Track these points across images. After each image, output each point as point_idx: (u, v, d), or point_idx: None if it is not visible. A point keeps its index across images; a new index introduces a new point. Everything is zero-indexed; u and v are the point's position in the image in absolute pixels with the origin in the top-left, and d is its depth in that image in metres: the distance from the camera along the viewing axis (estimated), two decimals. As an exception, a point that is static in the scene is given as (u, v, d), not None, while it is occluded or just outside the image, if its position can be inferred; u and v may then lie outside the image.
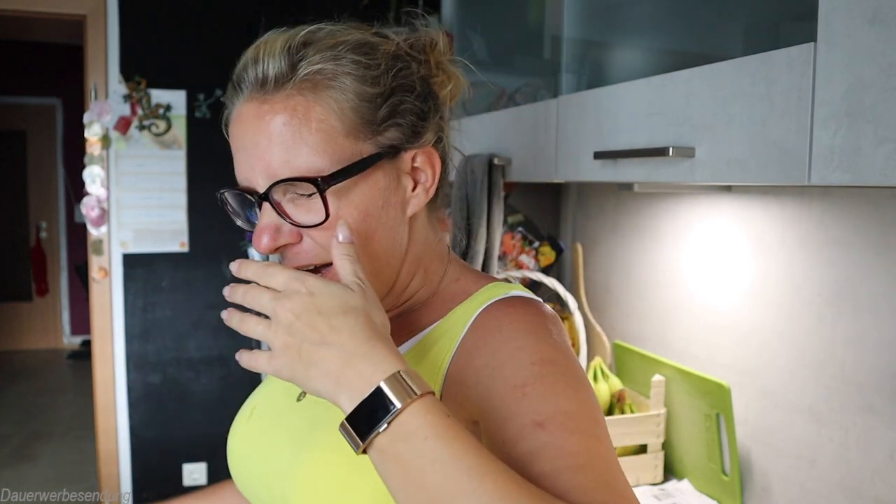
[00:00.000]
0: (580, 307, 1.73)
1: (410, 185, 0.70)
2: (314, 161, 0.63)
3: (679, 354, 1.50)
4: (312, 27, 0.68)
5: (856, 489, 1.12)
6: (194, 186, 2.85)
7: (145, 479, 2.87)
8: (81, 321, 6.02)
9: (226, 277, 2.93)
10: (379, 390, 0.52)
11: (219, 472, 2.96)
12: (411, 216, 0.71)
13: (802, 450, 1.21)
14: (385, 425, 0.51)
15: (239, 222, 0.73)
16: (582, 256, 1.80)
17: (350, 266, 0.61)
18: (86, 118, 2.69)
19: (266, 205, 0.65)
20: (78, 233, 5.75)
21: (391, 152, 0.67)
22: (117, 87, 2.72)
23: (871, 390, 1.09)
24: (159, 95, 2.77)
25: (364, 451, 0.53)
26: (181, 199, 2.85)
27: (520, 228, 1.80)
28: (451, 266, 0.77)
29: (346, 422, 0.53)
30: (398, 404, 0.51)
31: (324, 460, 0.67)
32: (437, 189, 0.73)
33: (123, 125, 2.73)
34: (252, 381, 2.88)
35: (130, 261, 2.81)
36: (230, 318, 0.60)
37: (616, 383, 1.51)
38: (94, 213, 2.72)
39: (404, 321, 0.75)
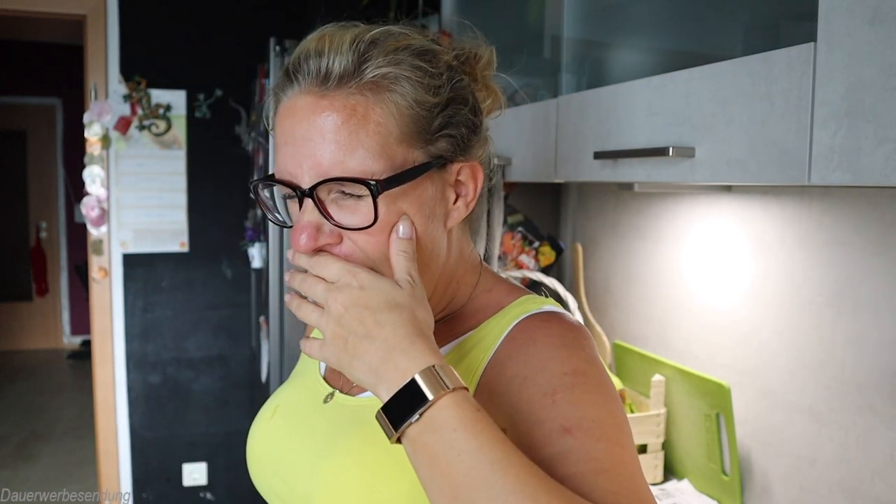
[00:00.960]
0: (580, 307, 1.73)
1: (453, 197, 0.69)
2: (367, 164, 0.62)
3: (679, 354, 1.50)
4: (382, 27, 0.66)
5: (856, 489, 1.12)
6: (194, 186, 2.85)
7: (145, 479, 2.87)
8: (81, 321, 6.02)
9: (226, 277, 2.93)
10: (413, 383, 0.55)
11: (219, 472, 2.96)
12: (449, 228, 0.71)
13: (802, 450, 1.21)
14: (417, 416, 0.54)
15: (272, 215, 0.72)
16: (582, 256, 1.80)
17: (404, 263, 0.63)
18: (86, 118, 2.69)
19: (308, 203, 0.64)
20: (78, 233, 5.74)
21: (440, 163, 0.67)
22: (117, 87, 2.72)
23: (871, 390, 1.09)
24: (159, 95, 2.77)
25: (398, 441, 0.56)
26: (181, 199, 2.85)
27: (520, 228, 1.80)
28: (484, 276, 0.77)
29: (381, 411, 0.56)
30: (430, 396, 0.54)
31: (349, 465, 0.68)
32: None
33: (123, 125, 2.73)
34: (252, 381, 2.88)
35: (130, 261, 2.81)
36: (290, 301, 0.64)
37: (616, 383, 1.51)
38: (94, 213, 2.72)
39: (437, 330, 0.75)
